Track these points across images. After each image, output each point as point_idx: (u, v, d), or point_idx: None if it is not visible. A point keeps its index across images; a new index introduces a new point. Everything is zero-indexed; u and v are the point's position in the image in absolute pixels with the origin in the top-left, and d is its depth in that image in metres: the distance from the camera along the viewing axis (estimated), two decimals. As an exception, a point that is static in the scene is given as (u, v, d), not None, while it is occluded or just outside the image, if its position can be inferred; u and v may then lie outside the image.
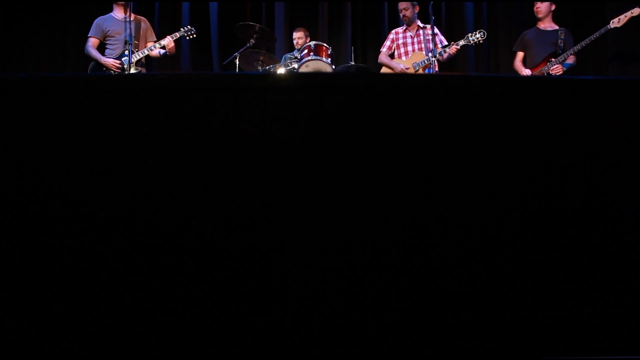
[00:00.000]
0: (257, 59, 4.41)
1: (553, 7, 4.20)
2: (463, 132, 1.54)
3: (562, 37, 4.08)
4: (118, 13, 4.07)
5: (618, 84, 1.60)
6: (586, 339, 1.49)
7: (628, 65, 4.33)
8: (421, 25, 4.43)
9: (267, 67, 4.40)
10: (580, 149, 1.54)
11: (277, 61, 4.55)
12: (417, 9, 4.45)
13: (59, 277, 1.47)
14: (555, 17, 4.24)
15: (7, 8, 5.08)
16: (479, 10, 5.22)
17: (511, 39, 4.81)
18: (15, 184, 1.50)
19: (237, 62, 4.34)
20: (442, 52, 4.09)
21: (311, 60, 4.06)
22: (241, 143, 1.52)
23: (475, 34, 4.02)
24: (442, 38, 4.41)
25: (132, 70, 3.87)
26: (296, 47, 4.88)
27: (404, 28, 4.47)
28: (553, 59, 3.99)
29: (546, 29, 4.20)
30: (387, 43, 4.53)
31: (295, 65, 4.31)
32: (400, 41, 4.46)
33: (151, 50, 4.00)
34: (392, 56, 4.51)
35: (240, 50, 4.35)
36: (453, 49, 4.06)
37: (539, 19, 4.23)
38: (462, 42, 4.05)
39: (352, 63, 4.60)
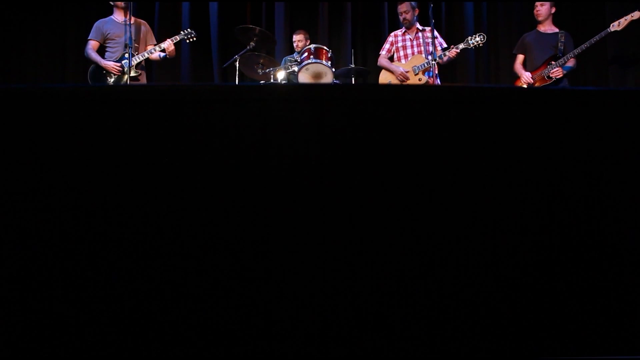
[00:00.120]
0: (257, 61, 4.41)
1: (553, 10, 4.21)
2: (461, 141, 1.54)
3: (562, 39, 4.08)
4: (118, 16, 4.08)
5: (617, 94, 1.61)
6: (586, 339, 1.49)
7: (628, 69, 4.33)
8: (420, 27, 4.42)
9: (267, 70, 4.40)
10: (580, 155, 1.55)
11: (277, 64, 4.55)
12: (416, 12, 4.45)
13: (59, 276, 1.47)
14: (555, 19, 4.24)
15: (7, 9, 5.08)
16: (479, 10, 5.21)
17: (511, 41, 4.81)
18: (16, 187, 1.50)
19: (237, 65, 4.34)
20: (442, 56, 4.09)
21: (311, 63, 4.06)
22: (241, 154, 1.52)
23: (475, 37, 4.03)
24: (442, 40, 4.41)
25: (132, 74, 3.87)
26: (296, 49, 4.88)
27: (403, 31, 4.47)
28: (553, 62, 3.99)
29: (546, 31, 4.20)
30: (387, 46, 4.53)
31: (295, 68, 4.31)
32: (400, 44, 4.46)
33: (151, 53, 4.01)
34: (391, 59, 4.51)
35: (241, 53, 4.35)
36: (453, 52, 4.06)
37: (539, 22, 4.23)
38: (462, 46, 4.05)
39: (352, 66, 4.60)
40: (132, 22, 3.83)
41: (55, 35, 5.23)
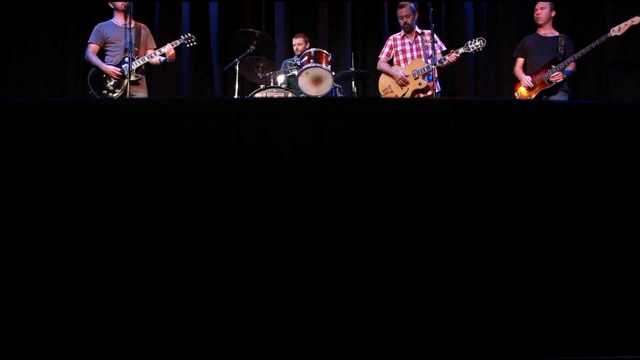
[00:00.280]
0: (257, 65, 4.41)
1: (553, 14, 4.20)
2: (457, 153, 1.55)
3: (562, 43, 4.08)
4: (118, 19, 4.08)
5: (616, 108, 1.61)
6: (586, 339, 1.49)
7: (628, 73, 4.33)
8: (419, 31, 4.42)
9: (267, 74, 4.40)
10: (580, 165, 1.56)
11: (276, 68, 4.56)
12: (416, 16, 4.45)
13: (59, 276, 1.48)
14: (555, 22, 4.24)
15: (7, 11, 5.07)
16: (478, 11, 5.21)
17: (511, 44, 4.80)
18: (17, 190, 1.52)
19: (237, 69, 4.35)
20: (442, 60, 4.09)
21: (311, 67, 4.06)
22: (241, 168, 1.53)
23: (475, 42, 4.02)
24: (441, 44, 4.41)
25: (132, 78, 3.87)
26: (296, 52, 4.87)
27: (402, 34, 4.47)
28: (553, 66, 3.99)
29: (546, 35, 4.20)
30: (386, 50, 4.52)
31: (295, 72, 4.31)
32: (399, 48, 4.45)
33: (151, 57, 4.01)
34: (390, 62, 4.51)
35: (241, 56, 4.35)
36: (453, 56, 4.06)
37: (539, 25, 4.23)
38: (461, 50, 4.05)
39: (352, 69, 4.60)
40: (132, 25, 3.83)
41: (56, 38, 5.23)
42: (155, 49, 4.09)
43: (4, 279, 1.49)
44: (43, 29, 5.18)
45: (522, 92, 4.20)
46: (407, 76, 4.27)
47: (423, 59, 4.28)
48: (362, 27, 5.41)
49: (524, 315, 1.49)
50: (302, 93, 4.22)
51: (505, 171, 1.56)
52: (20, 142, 1.55)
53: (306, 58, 4.16)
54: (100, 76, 3.95)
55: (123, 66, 3.89)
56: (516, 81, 4.29)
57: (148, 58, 3.99)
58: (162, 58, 4.06)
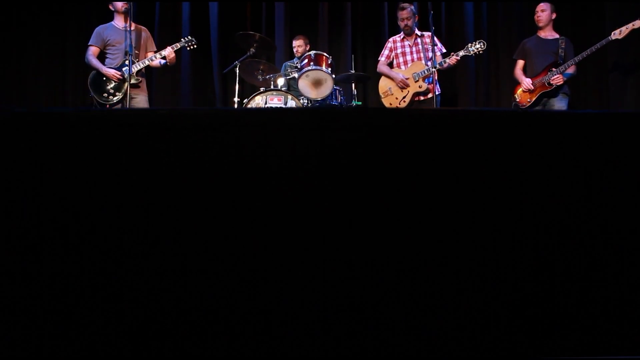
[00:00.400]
0: (257, 68, 4.41)
1: (554, 16, 4.20)
2: (462, 164, 1.56)
3: (563, 46, 4.08)
4: (119, 22, 4.08)
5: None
6: (586, 339, 1.49)
7: (628, 76, 4.33)
8: (419, 33, 4.41)
9: (267, 77, 4.41)
10: (580, 169, 1.57)
11: (277, 70, 4.56)
12: (416, 18, 4.45)
13: (59, 276, 1.49)
14: (555, 24, 4.24)
15: (7, 11, 5.07)
16: (478, 12, 5.20)
17: (511, 44, 4.80)
18: (17, 192, 1.53)
19: (237, 71, 4.35)
20: (442, 63, 4.09)
21: (311, 70, 4.07)
22: (241, 179, 1.54)
23: (475, 44, 4.03)
24: (441, 46, 4.40)
25: (133, 81, 3.88)
26: (296, 54, 4.87)
27: (402, 36, 4.46)
28: (554, 69, 4.00)
29: (547, 37, 4.20)
30: (386, 52, 4.52)
31: (296, 75, 4.31)
32: (399, 50, 4.45)
33: (152, 60, 4.01)
34: (390, 65, 4.50)
35: (241, 59, 4.35)
36: (453, 59, 4.05)
37: (540, 28, 4.23)
38: (462, 53, 4.05)
39: (353, 72, 4.60)
40: (132, 28, 3.83)
41: (56, 38, 5.22)
42: (155, 52, 4.09)
43: (4, 280, 1.50)
44: (43, 29, 5.17)
45: (522, 94, 4.20)
46: (407, 79, 4.27)
47: (423, 62, 4.28)
48: (363, 29, 5.41)
49: (524, 315, 1.49)
50: (302, 96, 4.22)
51: (503, 179, 1.56)
52: (21, 153, 1.55)
53: (306, 61, 4.17)
54: (101, 79, 3.95)
55: (123, 69, 3.89)
56: (516, 83, 4.30)
57: (148, 61, 4.00)
58: (163, 61, 4.06)
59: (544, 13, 4.19)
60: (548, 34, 4.21)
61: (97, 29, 4.08)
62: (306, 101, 4.28)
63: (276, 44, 5.03)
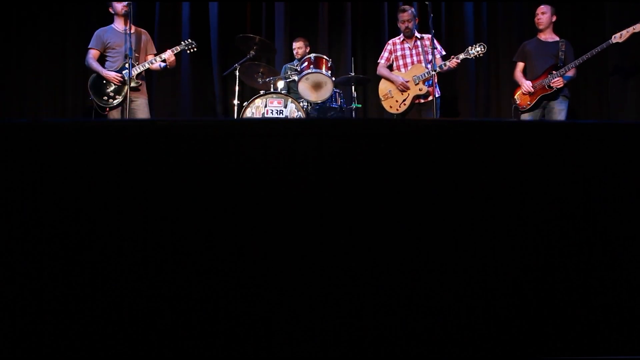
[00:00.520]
0: (257, 71, 4.42)
1: (554, 19, 4.20)
2: (461, 172, 1.57)
3: (563, 48, 4.08)
4: (119, 25, 4.07)
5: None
6: (586, 339, 1.50)
7: (628, 80, 4.33)
8: (418, 36, 4.41)
9: (267, 79, 4.41)
10: (579, 176, 1.58)
11: (277, 73, 4.56)
12: (417, 21, 4.44)
13: (59, 276, 1.50)
14: (555, 26, 4.24)
15: (7, 12, 5.07)
16: (478, 11, 5.20)
17: (511, 46, 4.80)
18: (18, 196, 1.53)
19: (237, 74, 4.35)
20: (442, 66, 4.08)
21: (311, 72, 4.07)
22: (239, 187, 1.54)
23: (476, 47, 4.02)
24: (441, 48, 4.40)
25: (133, 84, 3.88)
26: (296, 57, 4.87)
27: (402, 39, 4.45)
28: (554, 72, 3.99)
29: (547, 40, 4.20)
30: (385, 54, 4.51)
31: (295, 78, 4.32)
32: (399, 52, 4.44)
33: (152, 63, 4.01)
34: (390, 67, 4.50)
35: (241, 61, 4.35)
36: (453, 62, 4.05)
37: (540, 30, 4.22)
38: (462, 56, 4.04)
39: (352, 74, 4.59)
40: (132, 31, 3.83)
41: (56, 39, 5.21)
42: (155, 55, 4.09)
43: (4, 280, 1.51)
44: (43, 31, 5.16)
45: (522, 97, 4.20)
46: (407, 82, 4.27)
47: (423, 64, 4.27)
48: (362, 31, 5.40)
49: (524, 315, 1.50)
50: (302, 98, 4.22)
51: (503, 186, 1.57)
52: (21, 164, 1.56)
53: (306, 63, 4.17)
54: (101, 82, 3.95)
55: (123, 72, 3.89)
56: (516, 86, 4.29)
57: (148, 64, 3.99)
58: (163, 64, 4.05)
59: (544, 15, 4.18)
60: (548, 36, 4.21)
61: (97, 32, 4.08)
62: (306, 104, 4.28)
63: (276, 45, 5.03)
